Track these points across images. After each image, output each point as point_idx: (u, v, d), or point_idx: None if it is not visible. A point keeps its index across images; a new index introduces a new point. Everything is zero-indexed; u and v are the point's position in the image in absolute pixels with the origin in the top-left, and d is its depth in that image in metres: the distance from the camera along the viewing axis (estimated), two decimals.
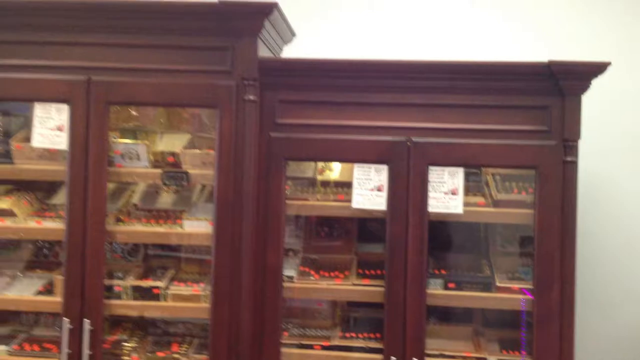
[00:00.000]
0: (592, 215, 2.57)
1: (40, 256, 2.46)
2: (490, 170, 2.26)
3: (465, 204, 2.13)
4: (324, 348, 2.18)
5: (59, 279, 2.20)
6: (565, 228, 2.06)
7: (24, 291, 2.27)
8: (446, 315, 2.29)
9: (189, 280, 2.27)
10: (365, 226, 2.36)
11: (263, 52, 2.21)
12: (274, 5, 2.10)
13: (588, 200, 2.51)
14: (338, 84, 2.15)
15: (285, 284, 2.18)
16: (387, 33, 2.72)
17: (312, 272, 2.24)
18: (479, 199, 2.20)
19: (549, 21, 2.66)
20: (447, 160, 2.12)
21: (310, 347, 2.18)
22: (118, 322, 2.34)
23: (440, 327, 2.25)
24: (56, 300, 2.19)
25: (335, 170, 2.37)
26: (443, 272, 2.19)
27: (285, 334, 2.21)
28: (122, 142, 2.26)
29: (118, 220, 2.26)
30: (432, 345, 2.14)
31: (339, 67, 2.16)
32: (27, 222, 2.28)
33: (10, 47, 2.17)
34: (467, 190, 2.18)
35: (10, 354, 2.23)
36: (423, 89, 2.13)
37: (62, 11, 2.16)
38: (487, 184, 2.24)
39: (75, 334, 2.12)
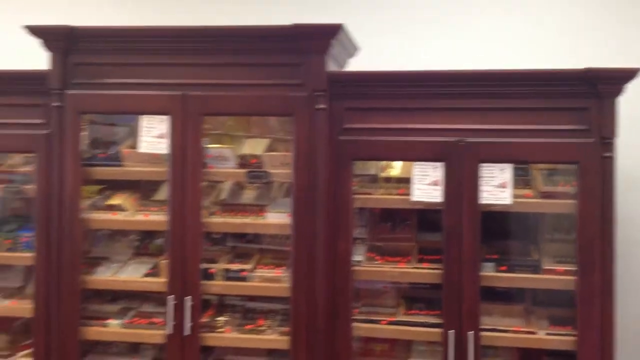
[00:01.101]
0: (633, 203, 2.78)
1: (147, 244, 2.85)
2: (538, 165, 2.52)
3: (514, 196, 2.39)
4: (390, 323, 2.49)
5: (163, 263, 2.60)
6: (605, 216, 2.30)
7: (133, 273, 2.68)
8: (500, 295, 2.54)
9: (271, 265, 2.62)
10: (425, 217, 2.66)
11: (331, 66, 2.53)
12: (340, 27, 2.42)
13: (628, 189, 2.72)
14: (397, 92, 2.45)
15: (354, 268, 2.49)
16: (442, 44, 2.98)
17: (377, 258, 2.56)
18: (527, 192, 2.45)
19: (586, 28, 2.87)
20: (496, 157, 2.39)
21: (378, 322, 2.49)
22: (212, 300, 2.72)
23: (494, 306, 2.50)
24: (162, 281, 2.58)
25: (396, 168, 2.67)
26: (495, 256, 2.46)
27: (356, 311, 2.53)
28: (213, 147, 2.62)
29: (211, 213, 2.64)
30: (486, 322, 2.42)
31: (397, 78, 2.46)
32: (135, 215, 2.69)
33: (120, 68, 2.56)
34: (516, 184, 2.44)
35: (124, 327, 2.64)
36: (475, 94, 2.41)
37: (160, 37, 2.54)
38: (534, 178, 2.50)
39: (178, 310, 2.51)
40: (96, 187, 2.80)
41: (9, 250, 2.77)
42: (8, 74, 2.64)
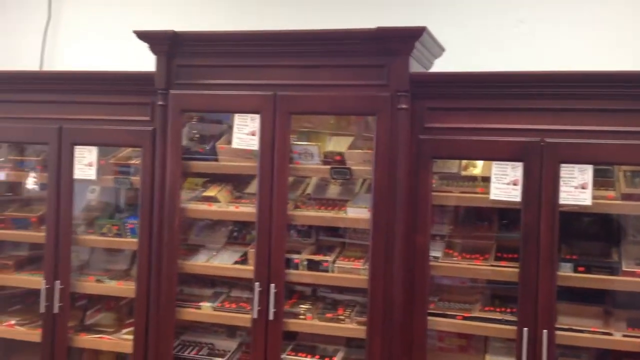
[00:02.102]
0: None
1: (237, 234, 3.06)
2: (622, 167, 2.49)
3: (595, 197, 2.38)
4: (465, 318, 2.53)
5: (251, 251, 2.78)
6: None
7: (225, 261, 2.89)
8: (579, 296, 2.53)
9: (351, 257, 2.74)
10: (505, 215, 2.68)
11: (415, 67, 2.62)
12: (423, 30, 2.50)
13: None
14: (478, 92, 2.50)
15: (432, 263, 2.56)
16: (527, 44, 2.99)
17: (456, 254, 2.62)
18: (609, 193, 2.43)
19: None
20: (577, 158, 2.39)
21: (454, 317, 2.55)
22: (295, 289, 2.88)
23: (572, 306, 2.49)
24: (249, 268, 2.76)
25: (477, 167, 2.72)
26: (574, 257, 2.46)
27: (432, 305, 2.60)
28: (300, 144, 2.78)
29: (296, 206, 2.79)
30: (563, 321, 2.42)
31: (477, 79, 2.51)
32: (227, 206, 2.89)
33: (218, 70, 2.76)
34: (599, 185, 2.43)
35: (215, 309, 2.85)
36: (556, 95, 2.42)
37: (254, 41, 2.72)
38: (617, 180, 2.47)
39: (264, 296, 2.68)
40: (200, 180, 3.03)
41: (117, 235, 3.05)
42: (120, 75, 2.93)
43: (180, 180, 2.84)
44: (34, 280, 3.11)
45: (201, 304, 2.86)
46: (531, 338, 2.38)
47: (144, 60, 2.90)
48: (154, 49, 2.80)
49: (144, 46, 2.82)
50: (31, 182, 3.36)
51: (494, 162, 2.49)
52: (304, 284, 2.86)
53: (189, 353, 2.87)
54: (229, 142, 2.81)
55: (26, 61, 3.64)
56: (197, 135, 3.00)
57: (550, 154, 2.41)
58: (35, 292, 3.10)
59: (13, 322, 3.20)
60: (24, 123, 3.07)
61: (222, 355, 2.84)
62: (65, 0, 3.71)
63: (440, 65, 2.93)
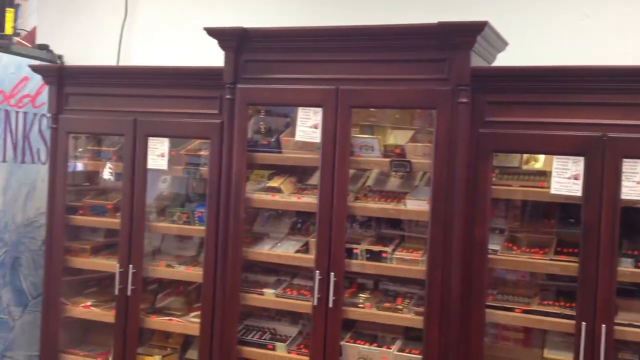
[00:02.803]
0: None
1: (299, 224, 3.15)
2: None
3: None
4: (524, 312, 2.54)
5: (312, 241, 2.87)
6: None
7: (287, 249, 2.99)
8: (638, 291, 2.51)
9: (410, 248, 2.79)
10: (565, 210, 2.67)
11: (476, 61, 2.64)
12: (485, 24, 2.52)
13: None
14: (539, 86, 2.50)
15: (490, 256, 2.58)
16: (590, 37, 2.96)
17: (515, 248, 2.63)
18: None
19: None
20: (639, 152, 2.36)
21: (512, 310, 2.56)
22: (355, 279, 2.95)
23: (633, 301, 2.47)
24: (310, 257, 2.85)
25: (539, 161, 2.72)
26: (635, 252, 2.43)
27: (490, 297, 2.62)
28: (361, 137, 2.85)
29: (356, 198, 2.86)
30: (623, 317, 2.40)
31: (538, 73, 2.51)
32: (290, 197, 2.99)
33: (283, 65, 2.85)
34: None
35: (277, 296, 2.95)
36: (618, 90, 2.39)
37: (318, 37, 2.79)
38: None
39: (324, 284, 2.77)
40: (266, 172, 3.13)
41: (186, 223, 3.20)
42: (191, 70, 3.07)
43: (246, 171, 2.96)
44: (109, 264, 3.30)
45: (264, 290, 2.97)
46: (589, 332, 2.37)
47: (211, 56, 3.01)
48: (222, 45, 2.92)
49: (211, 42, 2.94)
50: (107, 172, 3.57)
51: (555, 157, 2.49)
52: (363, 274, 2.92)
53: (252, 337, 2.99)
54: (293, 134, 2.90)
55: (104, 56, 3.86)
56: (263, 128, 3.11)
57: (612, 149, 2.39)
58: (110, 276, 3.30)
59: (89, 303, 3.41)
60: (102, 115, 3.26)
61: (283, 340, 2.94)
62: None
63: (504, 59, 2.93)
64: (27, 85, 3.67)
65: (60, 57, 3.94)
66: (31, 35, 3.97)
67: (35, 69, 3.38)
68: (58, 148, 3.34)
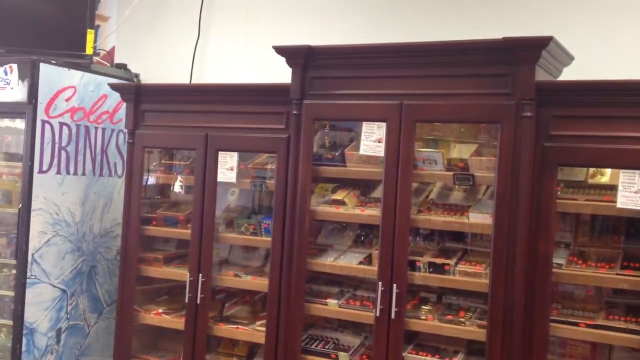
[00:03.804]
0: None
1: (362, 236, 3.22)
2: None
3: None
4: (588, 326, 2.52)
5: (375, 253, 2.92)
6: None
7: (350, 261, 3.05)
8: None
9: (473, 261, 2.81)
10: (632, 224, 2.64)
11: (541, 75, 2.65)
12: (550, 39, 2.53)
13: None
14: (603, 100, 2.50)
15: (555, 270, 2.57)
16: None
17: (580, 262, 2.61)
18: None
19: None
20: None
21: (576, 324, 2.54)
22: (417, 291, 2.98)
23: None
24: (373, 269, 2.90)
25: (606, 175, 2.70)
26: None
27: (555, 311, 2.60)
28: (424, 151, 2.89)
29: (419, 211, 2.90)
30: None
31: (601, 87, 2.50)
32: (354, 210, 3.05)
33: (348, 81, 2.93)
34: None
35: (340, 306, 3.01)
36: None
37: (382, 53, 2.87)
38: None
39: (386, 295, 2.81)
40: (330, 185, 3.21)
41: (253, 234, 3.32)
42: (259, 87, 3.21)
43: (311, 184, 3.04)
44: (180, 273, 3.44)
45: (328, 300, 3.04)
46: None
47: (278, 74, 3.13)
48: (290, 62, 3.04)
49: (277, 60, 3.06)
50: (177, 185, 3.74)
51: (622, 170, 2.47)
52: (425, 287, 2.95)
53: (315, 346, 3.06)
54: (357, 148, 2.97)
55: (178, 74, 4.06)
56: (327, 142, 3.20)
57: None
58: (180, 285, 3.45)
59: (161, 310, 3.56)
60: (175, 131, 3.42)
61: (346, 350, 3.00)
62: (213, 21, 4.08)
63: (571, 73, 2.93)
64: (106, 102, 3.89)
65: (136, 75, 4.16)
66: (110, 54, 4.21)
67: (114, 87, 3.59)
68: (134, 162, 3.52)
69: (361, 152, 2.93)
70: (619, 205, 2.46)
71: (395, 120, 2.83)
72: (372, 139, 2.90)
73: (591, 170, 2.71)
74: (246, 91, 3.24)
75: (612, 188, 2.53)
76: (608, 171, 2.68)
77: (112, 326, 3.88)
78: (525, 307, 2.57)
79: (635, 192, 2.44)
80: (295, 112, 3.03)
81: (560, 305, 2.67)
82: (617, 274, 2.51)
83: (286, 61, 3.05)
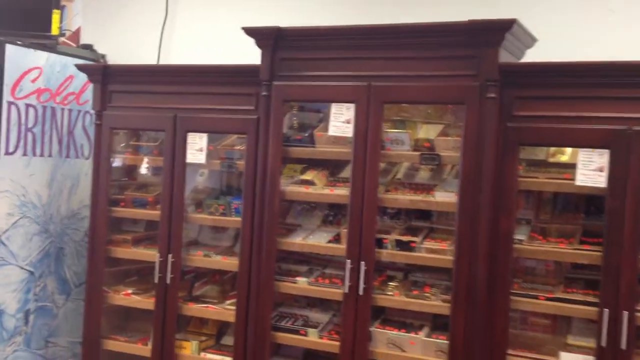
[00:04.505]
0: None
1: (330, 216, 3.28)
2: None
3: None
4: (548, 299, 2.63)
5: (344, 231, 2.98)
6: None
7: (320, 240, 3.11)
8: None
9: (438, 239, 2.89)
10: (590, 201, 2.75)
11: (505, 57, 2.72)
12: (513, 22, 2.61)
13: None
14: (565, 81, 2.59)
15: (516, 246, 2.67)
16: (613, 34, 3.04)
17: (540, 238, 2.71)
18: None
19: None
20: None
21: (537, 297, 2.64)
22: (384, 268, 3.06)
23: None
24: (342, 247, 2.97)
25: (566, 154, 2.80)
26: None
27: (516, 286, 2.71)
28: (392, 131, 2.95)
29: (386, 191, 2.97)
30: None
31: (563, 69, 2.59)
32: (323, 189, 3.11)
33: (317, 62, 2.96)
34: None
35: (310, 284, 3.07)
36: None
37: (351, 35, 2.91)
38: None
39: (354, 273, 2.87)
40: (298, 166, 3.25)
41: (222, 214, 3.35)
42: (229, 68, 3.22)
43: (281, 164, 3.08)
44: (149, 254, 3.45)
45: (297, 278, 3.09)
46: (612, 319, 2.45)
47: (247, 54, 3.15)
48: (259, 44, 3.06)
49: (247, 41, 3.07)
50: (144, 167, 3.74)
51: (581, 149, 2.57)
52: (392, 264, 3.03)
53: (285, 323, 3.12)
54: (326, 129, 3.02)
55: (145, 55, 4.04)
56: (297, 124, 3.24)
57: (637, 142, 2.46)
58: (149, 266, 3.46)
59: (130, 291, 3.57)
60: (144, 112, 3.42)
61: (315, 326, 3.06)
62: (180, 1, 4.07)
63: (533, 55, 3.01)
64: (72, 83, 3.86)
65: (103, 56, 4.13)
66: (76, 35, 4.16)
67: (81, 68, 3.57)
68: (102, 143, 3.51)
69: (330, 132, 2.97)
70: (578, 182, 2.56)
71: (364, 101, 2.88)
72: (341, 120, 2.95)
73: (552, 149, 2.81)
74: (215, 72, 3.25)
75: (571, 166, 2.62)
76: (568, 150, 2.78)
77: (80, 307, 3.88)
78: (488, 281, 2.66)
79: (594, 170, 2.54)
80: (264, 93, 3.06)
81: (522, 279, 2.77)
82: (575, 249, 2.62)
83: (255, 42, 3.07)
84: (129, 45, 4.14)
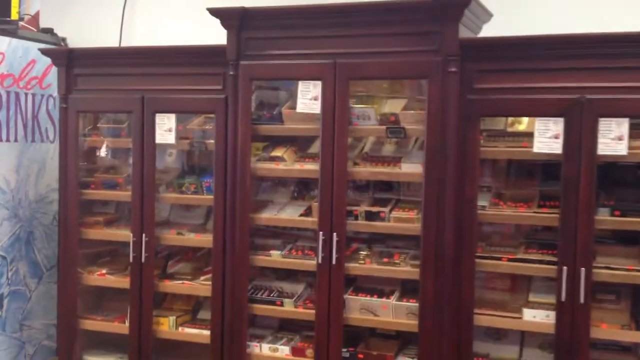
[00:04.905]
0: None
1: (298, 191, 3.37)
2: None
3: (631, 148, 2.60)
4: (510, 260, 2.80)
5: (315, 205, 3.09)
6: None
7: (292, 214, 3.21)
8: (617, 239, 2.79)
9: (405, 208, 3.03)
10: (548, 167, 2.92)
11: (464, 32, 2.85)
12: None
13: None
14: (522, 54, 2.73)
15: (479, 212, 2.82)
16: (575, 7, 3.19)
17: (501, 203, 2.88)
18: None
19: None
20: (614, 112, 2.60)
21: (499, 259, 2.81)
22: (355, 238, 3.18)
23: (610, 247, 2.74)
24: (313, 220, 3.08)
25: (523, 123, 2.95)
26: (611, 202, 2.68)
27: (480, 249, 2.87)
28: (358, 107, 3.06)
29: (355, 164, 3.08)
30: (600, 261, 2.67)
31: (520, 42, 2.74)
32: (293, 165, 3.20)
33: (283, 41, 3.02)
34: (635, 137, 2.64)
35: (283, 257, 3.18)
36: (593, 55, 2.63)
37: (314, 14, 2.99)
38: None
39: (327, 244, 2.99)
40: (260, 144, 3.32)
41: (194, 193, 3.41)
42: (195, 49, 3.26)
43: (250, 142, 3.16)
44: (123, 234, 3.51)
45: (271, 252, 3.20)
46: (570, 276, 2.64)
47: (212, 33, 3.19)
48: (225, 24, 3.11)
49: (211, 20, 3.11)
50: (103, 150, 3.77)
51: (537, 118, 2.72)
52: (363, 234, 3.16)
53: (261, 295, 3.23)
54: (294, 107, 3.11)
55: (106, 37, 4.02)
56: (265, 102, 3.31)
57: (589, 110, 2.62)
58: (121, 246, 3.53)
59: (104, 271, 3.62)
60: (111, 94, 3.44)
61: (290, 297, 3.18)
62: None
63: (488, 30, 3.14)
64: (35, 67, 3.84)
65: (63, 39, 4.10)
66: (35, 19, 4.11)
67: (45, 52, 3.55)
68: (69, 127, 3.52)
69: (298, 109, 3.06)
70: (535, 150, 2.72)
71: (330, 78, 2.97)
72: (309, 97, 3.04)
73: (510, 119, 2.96)
74: (182, 53, 3.29)
75: (529, 135, 2.78)
76: (525, 120, 2.93)
77: (52, 290, 3.92)
78: (454, 246, 2.81)
79: (550, 138, 2.70)
80: (232, 72, 3.12)
81: (485, 243, 2.93)
82: (534, 213, 2.79)
83: (221, 23, 3.12)
84: (90, 28, 4.11)
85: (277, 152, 3.25)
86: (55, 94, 3.86)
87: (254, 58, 3.10)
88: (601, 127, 2.62)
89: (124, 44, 4.05)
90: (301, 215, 3.19)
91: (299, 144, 3.32)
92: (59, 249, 3.61)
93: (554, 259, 2.71)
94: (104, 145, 3.80)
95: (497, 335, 2.98)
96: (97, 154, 3.85)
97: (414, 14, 2.84)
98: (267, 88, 3.40)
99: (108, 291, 3.68)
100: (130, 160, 3.45)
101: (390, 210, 3.03)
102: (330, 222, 2.99)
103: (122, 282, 3.51)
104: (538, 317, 2.77)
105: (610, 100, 2.61)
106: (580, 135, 2.64)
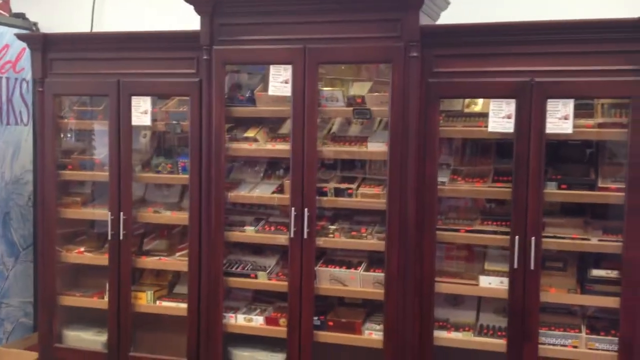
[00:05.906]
0: None
1: (268, 170, 3.54)
2: (600, 100, 2.95)
3: (576, 126, 2.85)
4: (467, 231, 3.04)
5: (287, 182, 3.27)
6: None
7: (265, 191, 3.39)
8: (564, 211, 3.06)
9: (372, 184, 3.24)
10: (501, 145, 3.15)
11: (424, 20, 3.05)
12: None
13: None
14: (477, 40, 2.94)
15: (439, 187, 3.05)
16: None
17: (459, 179, 3.11)
18: (588, 122, 2.90)
19: None
20: (560, 93, 2.84)
21: (458, 230, 3.05)
22: (324, 215, 3.37)
23: (557, 219, 3.00)
24: (286, 197, 3.26)
25: (478, 104, 3.18)
26: (559, 177, 2.94)
27: (440, 222, 3.10)
28: (326, 89, 3.24)
29: (324, 144, 3.27)
30: (549, 231, 2.93)
31: (476, 29, 2.95)
32: (265, 145, 3.38)
33: (254, 27, 3.18)
34: (580, 116, 2.89)
35: (257, 232, 3.36)
36: (541, 41, 2.86)
37: (284, 0, 3.17)
38: (595, 111, 2.94)
39: (298, 219, 3.18)
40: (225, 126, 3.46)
41: (170, 173, 3.56)
42: (170, 34, 3.39)
43: (224, 123, 3.32)
44: (100, 213, 3.64)
45: (245, 227, 3.38)
46: (521, 245, 2.89)
47: (183, 18, 3.36)
48: (198, 10, 3.25)
49: (180, 7, 3.25)
50: (68, 132, 3.87)
51: (492, 100, 2.95)
52: (332, 209, 3.35)
53: (236, 269, 3.41)
54: (265, 90, 3.27)
55: (78, 21, 4.11)
56: (238, 85, 3.47)
57: (538, 91, 2.86)
58: (97, 224, 3.66)
59: (82, 249, 3.75)
60: (87, 78, 3.55)
61: (264, 270, 3.37)
62: None
63: (446, 17, 3.36)
64: (8, 52, 3.92)
65: (35, 24, 4.17)
66: (6, 3, 4.17)
67: (21, 37, 3.64)
68: (45, 110, 3.62)
69: (270, 92, 3.23)
70: (490, 129, 2.95)
71: (300, 62, 3.14)
72: (280, 81, 3.21)
73: (467, 100, 3.18)
74: (157, 38, 3.42)
75: (484, 115, 3.01)
76: (480, 101, 3.16)
77: (29, 269, 4.05)
78: (417, 220, 3.03)
79: (503, 118, 2.93)
80: (205, 57, 3.27)
81: (445, 216, 3.16)
82: (489, 187, 3.03)
83: (195, 9, 3.26)
84: (61, 12, 4.20)
85: (250, 133, 3.41)
86: (29, 77, 3.96)
87: (227, 43, 3.25)
88: (549, 108, 2.86)
89: (96, 29, 4.15)
90: (274, 192, 3.37)
91: (270, 125, 3.49)
92: (36, 228, 3.71)
93: (507, 229, 2.96)
94: (69, 126, 3.85)
95: (456, 301, 3.23)
96: (71, 136, 3.94)
97: (379, 2, 3.03)
98: (241, 72, 3.55)
99: (84, 268, 3.81)
100: (106, 141, 3.57)
101: (357, 187, 3.23)
102: (302, 199, 3.18)
103: (100, 259, 3.64)
104: (493, 284, 3.01)
105: (557, 83, 2.85)
106: (530, 115, 2.88)
